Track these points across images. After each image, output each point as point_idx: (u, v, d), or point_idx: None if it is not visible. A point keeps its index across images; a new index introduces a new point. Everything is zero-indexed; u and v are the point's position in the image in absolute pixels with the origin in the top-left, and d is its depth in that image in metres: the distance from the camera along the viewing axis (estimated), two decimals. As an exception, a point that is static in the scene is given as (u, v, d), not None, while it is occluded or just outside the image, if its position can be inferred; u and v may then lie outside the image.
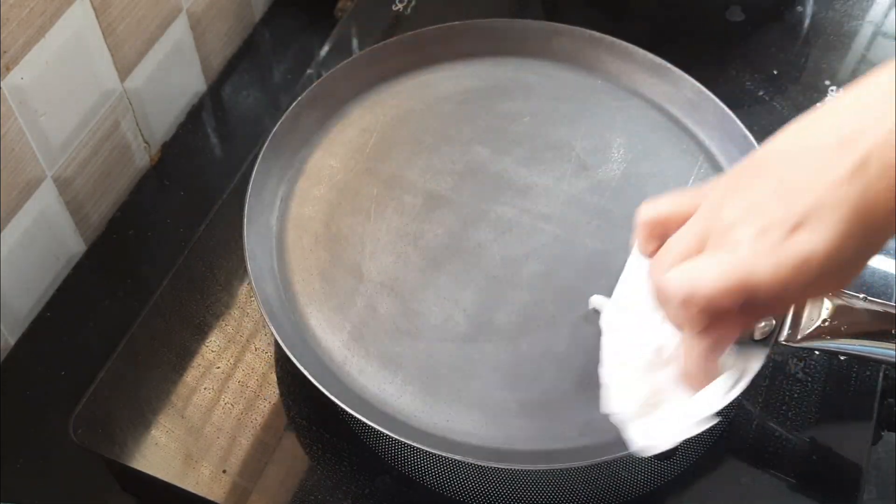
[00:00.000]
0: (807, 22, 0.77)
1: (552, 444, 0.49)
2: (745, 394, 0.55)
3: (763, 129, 0.67)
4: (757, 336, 0.51)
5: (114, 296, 0.66)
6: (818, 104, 0.70)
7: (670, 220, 0.44)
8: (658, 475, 0.52)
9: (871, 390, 0.55)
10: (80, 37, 0.61)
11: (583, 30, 0.64)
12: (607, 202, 0.58)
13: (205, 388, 0.54)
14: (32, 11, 0.55)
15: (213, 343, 0.56)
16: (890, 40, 0.75)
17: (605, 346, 0.49)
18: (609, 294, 0.52)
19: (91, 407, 0.53)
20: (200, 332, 0.56)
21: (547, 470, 0.51)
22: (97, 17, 0.62)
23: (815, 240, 0.36)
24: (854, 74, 0.73)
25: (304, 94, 0.60)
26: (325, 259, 0.55)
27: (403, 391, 0.51)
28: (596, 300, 0.53)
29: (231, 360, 0.55)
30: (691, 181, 0.59)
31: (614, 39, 0.63)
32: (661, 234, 0.44)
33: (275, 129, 0.58)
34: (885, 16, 0.77)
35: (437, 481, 0.51)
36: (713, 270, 0.38)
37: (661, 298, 0.42)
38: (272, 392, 0.54)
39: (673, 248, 0.42)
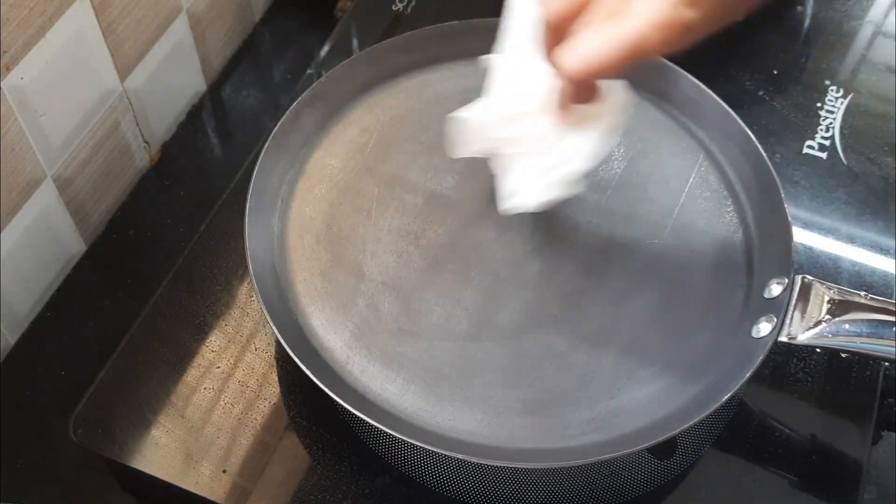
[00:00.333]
0: (807, 22, 0.77)
1: (554, 442, 0.49)
2: (745, 393, 0.55)
3: (763, 128, 0.67)
4: (756, 335, 0.51)
5: (114, 296, 0.66)
6: (818, 104, 0.70)
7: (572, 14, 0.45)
8: (658, 475, 0.52)
9: (871, 390, 0.55)
10: (80, 37, 0.61)
11: (583, 29, 0.64)
12: (608, 201, 0.58)
13: (205, 388, 0.54)
14: (32, 11, 0.55)
15: (214, 343, 0.56)
16: (890, 40, 0.76)
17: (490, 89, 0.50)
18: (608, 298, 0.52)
19: (91, 407, 0.53)
20: (200, 332, 0.56)
21: (549, 468, 0.51)
22: (97, 17, 0.62)
23: (696, 14, 0.42)
24: (854, 74, 0.73)
25: (305, 93, 0.60)
26: (326, 259, 0.55)
27: (405, 390, 0.51)
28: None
29: (231, 360, 0.55)
30: (691, 179, 0.59)
31: (614, 39, 0.63)
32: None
33: (275, 129, 0.58)
34: (885, 16, 0.77)
35: (437, 481, 0.51)
36: (611, 41, 0.42)
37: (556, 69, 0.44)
38: (272, 392, 0.54)
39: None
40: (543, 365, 0.51)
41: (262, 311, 0.50)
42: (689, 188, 0.59)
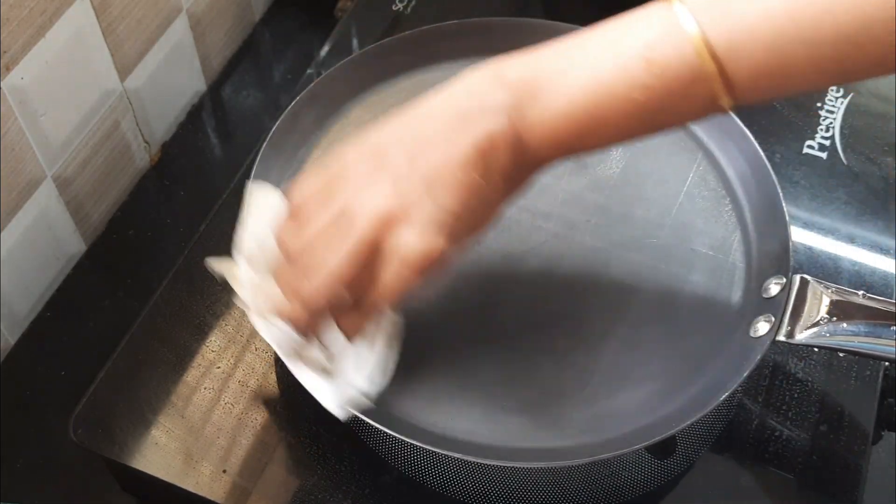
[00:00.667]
0: (807, 21, 0.77)
1: (552, 441, 0.49)
2: (746, 393, 0.55)
3: (762, 128, 0.67)
4: (754, 334, 0.51)
5: (114, 296, 0.66)
6: (818, 104, 0.70)
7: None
8: (658, 475, 0.52)
9: (871, 390, 0.55)
10: (80, 37, 0.61)
11: (582, 28, 0.64)
12: (606, 200, 0.58)
13: (205, 388, 0.54)
14: (32, 11, 0.56)
15: (214, 343, 0.56)
16: (890, 40, 0.75)
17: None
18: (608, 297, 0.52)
19: (91, 407, 0.53)
20: (200, 331, 0.56)
21: (547, 468, 0.51)
22: (97, 17, 0.62)
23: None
24: (854, 74, 0.72)
25: (304, 93, 0.60)
26: (324, 258, 0.55)
27: (403, 389, 0.51)
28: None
29: (231, 360, 0.55)
30: (690, 179, 0.59)
31: (614, 38, 0.63)
32: None
33: (274, 128, 0.58)
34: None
35: (437, 481, 0.51)
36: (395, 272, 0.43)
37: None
38: (272, 392, 0.54)
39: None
40: (542, 364, 0.51)
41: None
42: (688, 188, 0.59)
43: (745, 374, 0.48)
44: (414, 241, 0.42)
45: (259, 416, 0.53)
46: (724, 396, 0.48)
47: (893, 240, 0.62)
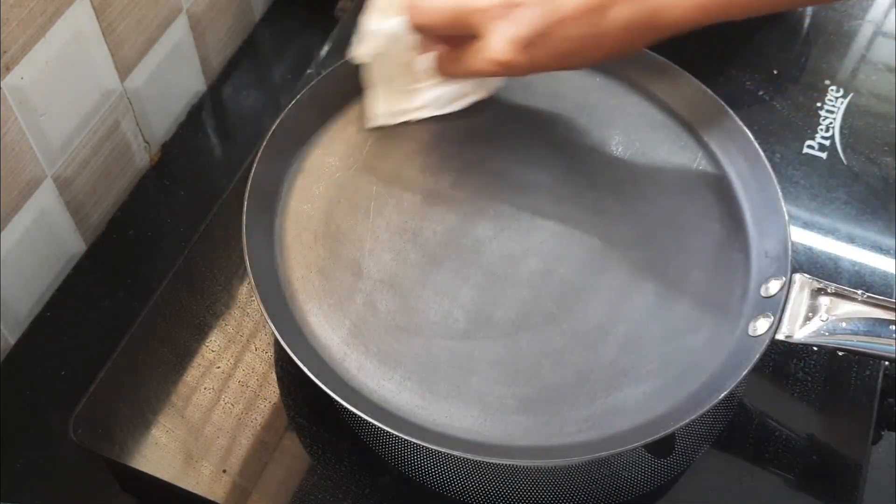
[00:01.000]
0: (807, 22, 0.77)
1: (551, 440, 0.49)
2: (745, 393, 0.55)
3: (763, 128, 0.67)
4: (754, 333, 0.51)
5: (114, 296, 0.66)
6: (818, 104, 0.70)
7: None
8: (658, 474, 0.52)
9: (871, 390, 0.55)
10: (80, 37, 0.61)
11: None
12: (605, 198, 0.58)
13: (205, 388, 0.54)
14: (32, 11, 0.56)
15: (214, 343, 0.56)
16: (890, 40, 0.75)
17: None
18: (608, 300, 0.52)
19: (91, 407, 0.53)
20: (200, 331, 0.56)
21: (546, 466, 0.51)
22: (97, 17, 0.62)
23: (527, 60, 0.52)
24: (854, 74, 0.73)
25: (303, 92, 0.60)
26: (324, 256, 0.55)
27: (402, 388, 0.51)
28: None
29: (231, 360, 0.55)
30: (690, 178, 0.59)
31: (613, 38, 0.63)
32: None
33: (274, 128, 0.58)
34: (885, 16, 0.77)
35: (436, 480, 0.51)
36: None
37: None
38: (272, 392, 0.54)
39: None
40: (541, 362, 0.51)
41: (260, 308, 0.50)
42: (688, 187, 0.59)
43: (745, 373, 0.48)
44: (497, 49, 0.51)
45: (259, 416, 0.53)
46: (723, 395, 0.48)
47: (893, 240, 0.62)
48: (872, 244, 0.62)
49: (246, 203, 0.54)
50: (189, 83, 0.76)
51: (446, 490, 0.51)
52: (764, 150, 0.57)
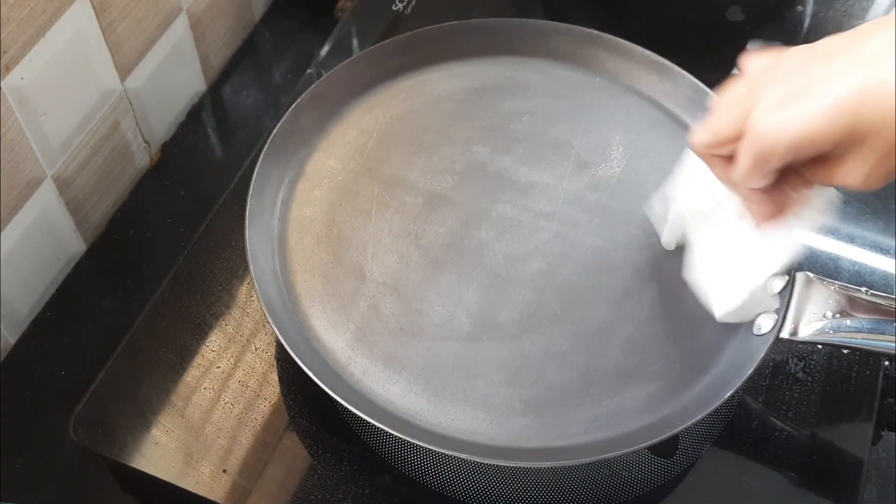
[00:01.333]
0: (807, 22, 0.77)
1: (557, 441, 0.49)
2: (746, 393, 0.55)
3: (763, 128, 0.67)
4: (758, 332, 0.51)
5: (114, 296, 0.66)
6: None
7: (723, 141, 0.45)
8: (659, 474, 0.52)
9: (871, 390, 0.55)
10: (80, 37, 0.61)
11: (581, 28, 0.64)
12: (607, 199, 0.58)
13: (205, 388, 0.54)
14: (32, 11, 0.55)
15: (214, 343, 0.56)
16: (889, 40, 0.75)
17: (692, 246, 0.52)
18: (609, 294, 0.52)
19: (91, 407, 0.53)
20: (200, 331, 0.56)
21: (551, 467, 0.51)
22: (97, 17, 0.61)
23: None
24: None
25: (304, 94, 0.60)
26: (327, 260, 0.55)
27: (408, 391, 0.51)
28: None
29: (231, 360, 0.55)
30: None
31: (612, 37, 0.63)
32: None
33: (275, 131, 0.58)
34: (886, 15, 0.77)
35: (437, 480, 0.51)
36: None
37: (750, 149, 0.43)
38: (272, 392, 0.54)
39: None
40: (545, 364, 0.51)
41: (265, 314, 0.50)
42: (690, 187, 0.59)
43: (750, 372, 0.48)
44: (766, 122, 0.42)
45: (259, 416, 0.53)
46: (728, 394, 0.48)
47: (893, 240, 0.62)
48: (872, 244, 0.62)
49: (248, 209, 0.54)
50: (189, 83, 0.76)
51: (446, 490, 0.51)
52: (764, 151, 0.57)
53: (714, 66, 0.71)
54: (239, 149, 0.75)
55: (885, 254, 0.61)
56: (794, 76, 0.41)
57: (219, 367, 0.55)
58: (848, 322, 0.48)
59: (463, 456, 0.47)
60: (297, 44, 0.82)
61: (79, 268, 0.68)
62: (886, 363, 0.56)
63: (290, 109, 0.59)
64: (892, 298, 0.48)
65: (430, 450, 0.47)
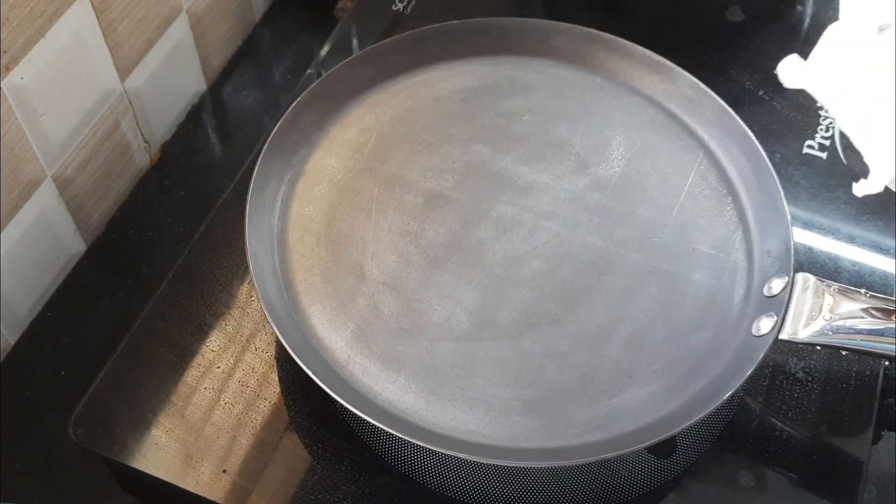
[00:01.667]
0: (807, 22, 0.77)
1: (556, 441, 0.49)
2: (746, 393, 0.55)
3: (763, 128, 0.67)
4: (757, 333, 0.51)
5: (114, 296, 0.66)
6: (818, 104, 0.70)
7: None
8: (658, 474, 0.52)
9: (871, 390, 0.55)
10: (80, 37, 0.61)
11: (582, 28, 0.64)
12: (608, 199, 0.58)
13: (205, 388, 0.54)
14: (32, 11, 0.55)
15: (214, 343, 0.56)
16: (889, 40, 0.75)
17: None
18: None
19: (91, 407, 0.53)
20: (200, 331, 0.56)
21: (550, 467, 0.51)
22: (97, 17, 0.62)
23: None
24: (854, 74, 0.73)
25: (304, 94, 0.60)
26: (326, 259, 0.55)
27: (407, 390, 0.51)
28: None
29: (231, 360, 0.55)
30: (691, 178, 0.59)
31: (613, 37, 0.63)
32: None
33: (275, 129, 0.58)
34: (885, 15, 0.77)
35: (437, 481, 0.51)
36: None
37: None
38: (272, 392, 0.54)
39: None
40: (544, 364, 0.51)
41: (264, 313, 0.50)
42: (689, 186, 0.59)
43: (749, 374, 0.48)
44: None
45: (259, 416, 0.53)
46: (727, 396, 0.48)
47: (893, 240, 0.62)
48: (872, 244, 0.62)
49: (248, 207, 0.54)
50: (189, 83, 0.76)
51: (446, 490, 0.51)
52: (764, 150, 0.57)
53: (714, 66, 0.72)
54: (239, 149, 0.75)
55: (885, 254, 0.61)
56: None
57: (219, 367, 0.55)
58: (847, 324, 0.48)
59: (462, 456, 0.47)
60: (297, 44, 0.82)
61: (79, 268, 0.68)
62: (886, 363, 0.56)
63: (290, 108, 0.59)
64: (892, 300, 0.48)
65: (429, 449, 0.47)
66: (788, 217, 0.54)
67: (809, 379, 0.56)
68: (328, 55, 0.71)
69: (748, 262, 0.56)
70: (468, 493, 0.51)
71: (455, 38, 0.64)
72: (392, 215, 0.57)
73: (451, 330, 0.52)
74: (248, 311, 0.57)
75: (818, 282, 0.50)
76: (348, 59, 0.62)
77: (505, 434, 0.49)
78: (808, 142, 0.67)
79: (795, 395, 0.55)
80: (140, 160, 0.72)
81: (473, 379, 0.51)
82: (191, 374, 0.54)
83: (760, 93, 0.71)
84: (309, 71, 0.70)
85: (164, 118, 0.74)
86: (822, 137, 0.68)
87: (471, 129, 0.61)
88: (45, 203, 0.62)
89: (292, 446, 0.52)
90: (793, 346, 0.56)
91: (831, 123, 0.69)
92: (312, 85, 0.60)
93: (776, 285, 0.52)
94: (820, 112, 0.69)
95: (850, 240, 0.62)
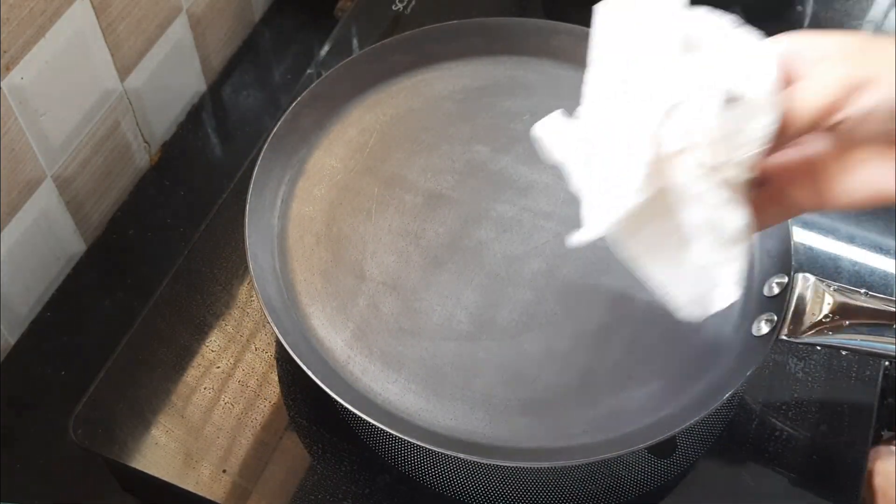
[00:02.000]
0: (807, 22, 0.77)
1: (555, 441, 0.49)
2: (746, 393, 0.55)
3: (763, 128, 0.67)
4: (757, 333, 0.51)
5: (114, 296, 0.66)
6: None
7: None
8: (658, 475, 0.52)
9: (871, 390, 0.55)
10: (80, 37, 0.61)
11: (582, 28, 0.64)
12: (608, 201, 0.58)
13: (205, 388, 0.54)
14: (32, 11, 0.55)
15: (213, 343, 0.56)
16: (890, 40, 0.75)
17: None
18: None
19: (91, 407, 0.53)
20: (200, 331, 0.56)
21: (549, 468, 0.51)
22: (97, 17, 0.62)
23: None
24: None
25: (304, 93, 0.60)
26: (326, 259, 0.55)
27: (407, 390, 0.51)
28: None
29: (231, 360, 0.55)
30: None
31: (614, 38, 0.63)
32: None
33: (275, 129, 0.58)
34: (885, 16, 0.77)
35: (437, 480, 0.51)
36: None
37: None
38: (272, 392, 0.54)
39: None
40: (544, 364, 0.51)
41: (264, 312, 0.50)
42: (690, 188, 0.59)
43: (749, 374, 0.48)
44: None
45: (259, 416, 0.53)
46: (726, 396, 0.48)
47: (893, 240, 0.62)
48: (872, 244, 0.62)
49: (248, 207, 0.54)
50: (189, 83, 0.76)
51: (446, 490, 0.51)
52: (764, 151, 0.57)
53: (714, 66, 0.71)
54: (239, 149, 0.75)
55: (885, 254, 0.61)
56: None
57: (219, 367, 0.55)
58: (847, 324, 0.48)
59: (462, 456, 0.47)
60: (297, 44, 0.82)
61: (79, 268, 0.68)
62: (886, 363, 0.56)
63: (290, 108, 0.59)
64: (891, 300, 0.48)
65: (429, 449, 0.47)
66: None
67: (809, 379, 0.56)
68: (328, 55, 0.71)
69: (748, 262, 0.55)
70: (468, 493, 0.51)
71: (455, 38, 0.64)
72: (392, 215, 0.57)
73: (452, 330, 0.52)
74: (248, 310, 0.57)
75: (818, 282, 0.50)
76: (348, 59, 0.62)
77: (505, 434, 0.49)
78: (808, 142, 0.67)
79: (795, 395, 0.55)
80: (140, 160, 0.72)
81: (473, 379, 0.51)
82: (191, 374, 0.54)
83: (760, 93, 0.70)
84: (309, 71, 0.70)
85: (164, 118, 0.74)
86: (822, 137, 0.68)
87: (471, 129, 0.61)
88: (45, 203, 0.62)
89: (292, 446, 0.53)
90: (793, 346, 0.56)
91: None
92: (313, 85, 0.60)
93: (776, 286, 0.52)
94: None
95: (850, 240, 0.62)
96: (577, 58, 0.64)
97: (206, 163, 0.75)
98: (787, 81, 0.40)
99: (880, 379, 0.56)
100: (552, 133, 0.43)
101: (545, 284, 0.54)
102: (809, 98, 0.39)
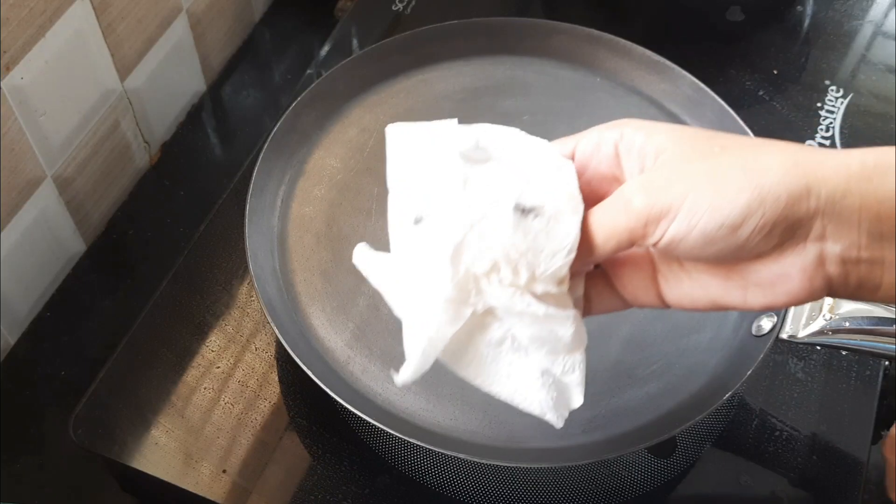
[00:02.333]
0: (807, 22, 0.77)
1: (555, 441, 0.49)
2: (746, 393, 0.55)
3: (763, 128, 0.67)
4: (757, 333, 0.51)
5: (114, 296, 0.66)
6: (818, 104, 0.70)
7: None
8: (658, 475, 0.52)
9: (871, 390, 0.55)
10: (80, 37, 0.61)
11: (581, 28, 0.64)
12: (608, 201, 0.58)
13: (205, 388, 0.54)
14: (32, 11, 0.55)
15: (213, 343, 0.56)
16: (890, 40, 0.76)
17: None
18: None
19: (91, 407, 0.53)
20: (200, 331, 0.56)
21: (549, 468, 0.51)
22: (97, 17, 0.61)
23: None
24: (854, 74, 0.73)
25: (304, 93, 0.60)
26: (326, 259, 0.55)
27: (407, 390, 0.51)
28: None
29: (231, 360, 0.55)
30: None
31: (613, 37, 0.63)
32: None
33: (275, 129, 0.58)
34: (885, 16, 0.77)
35: (437, 480, 0.51)
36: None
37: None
38: (272, 392, 0.54)
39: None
40: (544, 364, 0.51)
41: (264, 312, 0.50)
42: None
43: (748, 374, 0.48)
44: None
45: (259, 416, 0.53)
46: (726, 396, 0.48)
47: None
48: (872, 244, 0.62)
49: (248, 207, 0.54)
50: (189, 83, 0.76)
51: (446, 490, 0.51)
52: (764, 151, 0.57)
53: (714, 66, 0.72)
54: (239, 149, 0.75)
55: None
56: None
57: (219, 367, 0.55)
58: (847, 324, 0.48)
59: (462, 456, 0.47)
60: (297, 44, 0.82)
61: (79, 268, 0.68)
62: (886, 363, 0.56)
63: (290, 108, 0.59)
64: (891, 300, 0.48)
65: (429, 449, 0.47)
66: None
67: (809, 379, 0.56)
68: (328, 55, 0.71)
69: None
70: (468, 493, 0.51)
71: (455, 38, 0.64)
72: (392, 215, 0.57)
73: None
74: (248, 311, 0.57)
75: (818, 282, 0.50)
76: (348, 59, 0.62)
77: (505, 434, 0.49)
78: (809, 141, 0.67)
79: (795, 395, 0.55)
80: (140, 160, 0.72)
81: (473, 379, 0.51)
82: (191, 374, 0.54)
83: (760, 93, 0.71)
84: (309, 71, 0.70)
85: (164, 118, 0.74)
86: (823, 137, 0.68)
87: (470, 130, 0.61)
88: (45, 203, 0.62)
89: (292, 446, 0.53)
90: (793, 346, 0.56)
91: (831, 123, 0.69)
92: (313, 85, 0.60)
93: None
94: (820, 112, 0.69)
95: (850, 240, 0.62)
96: (576, 57, 0.65)
97: (206, 163, 0.75)
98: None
99: (880, 379, 0.56)
100: (367, 262, 0.40)
101: (545, 284, 0.54)
102: (606, 231, 0.37)
